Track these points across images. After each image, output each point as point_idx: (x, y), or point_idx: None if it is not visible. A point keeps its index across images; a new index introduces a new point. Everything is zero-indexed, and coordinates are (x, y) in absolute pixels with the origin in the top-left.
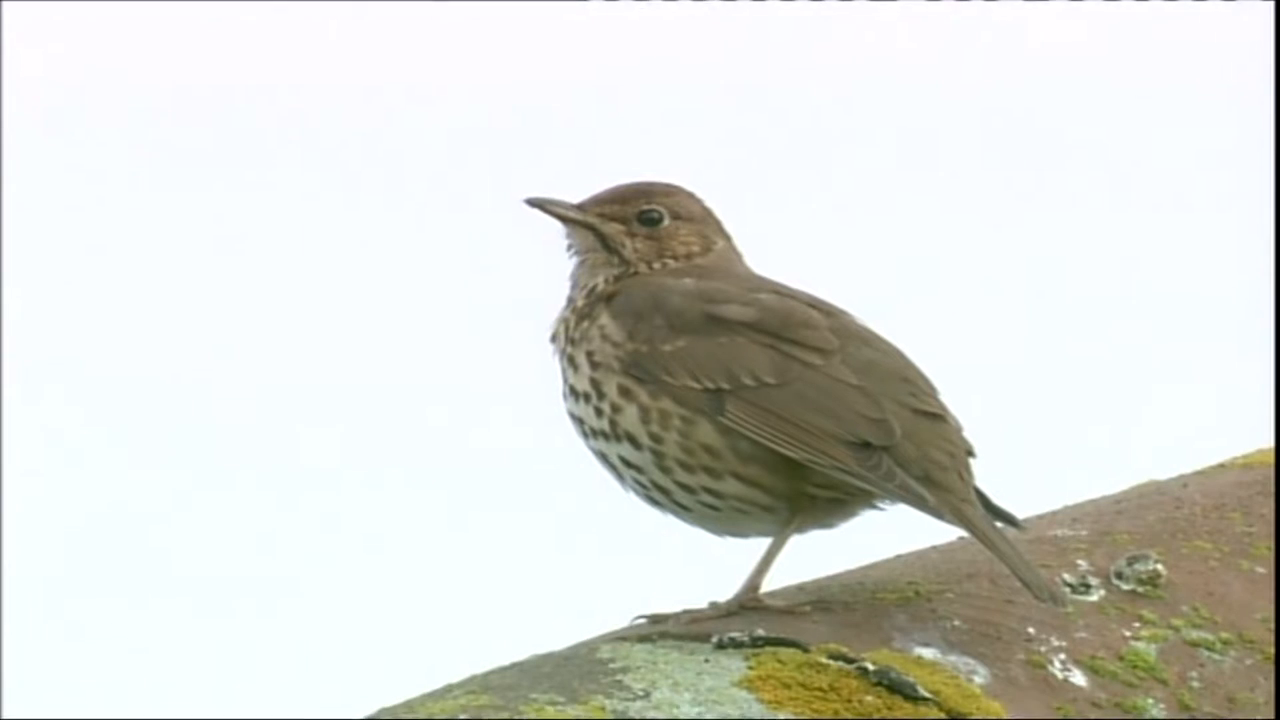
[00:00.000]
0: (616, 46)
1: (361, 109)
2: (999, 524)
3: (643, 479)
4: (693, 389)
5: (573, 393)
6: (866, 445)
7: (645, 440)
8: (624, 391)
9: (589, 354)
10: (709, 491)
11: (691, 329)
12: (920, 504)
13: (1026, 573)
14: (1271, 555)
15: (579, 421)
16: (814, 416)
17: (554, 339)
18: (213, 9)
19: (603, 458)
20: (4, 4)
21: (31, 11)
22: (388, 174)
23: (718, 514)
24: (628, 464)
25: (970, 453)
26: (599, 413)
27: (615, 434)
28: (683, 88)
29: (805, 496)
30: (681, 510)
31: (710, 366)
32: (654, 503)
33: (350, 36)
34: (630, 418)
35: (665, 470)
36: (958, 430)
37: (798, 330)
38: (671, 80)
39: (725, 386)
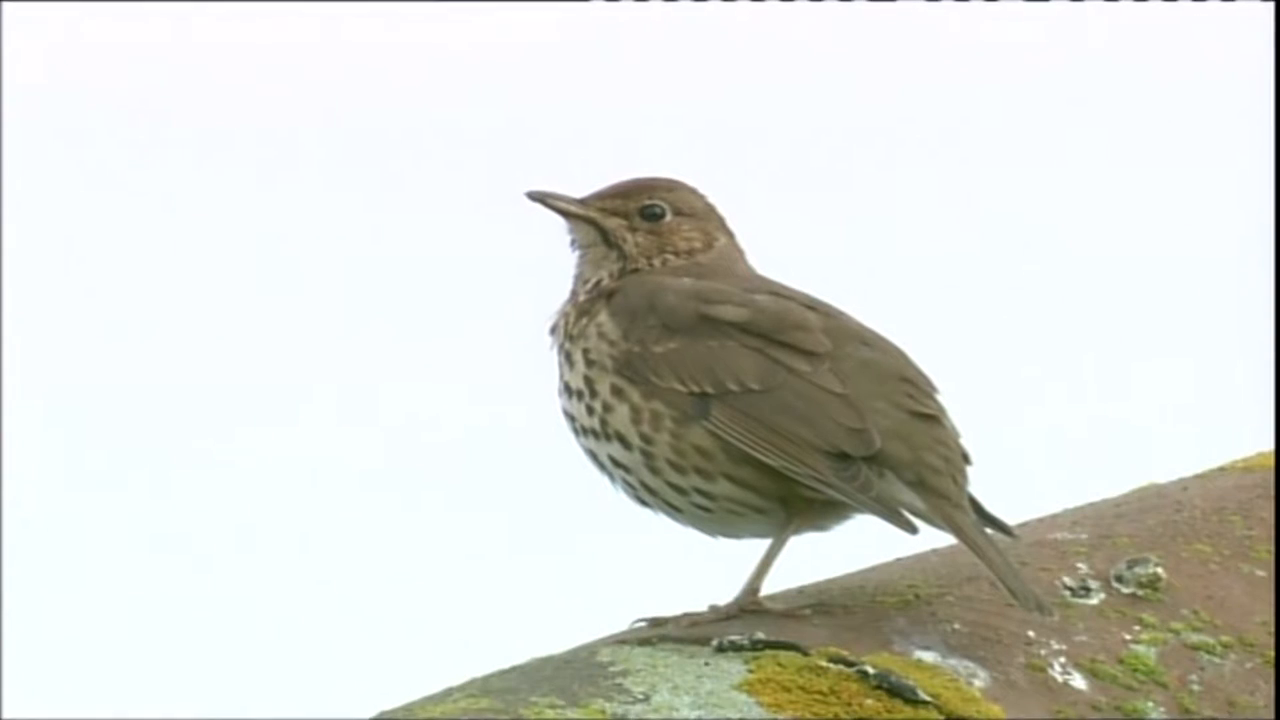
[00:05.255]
0: (616, 46)
1: (364, 107)
2: (992, 531)
3: (631, 479)
4: (679, 392)
5: (567, 389)
6: (845, 456)
7: (635, 441)
8: (616, 391)
9: (585, 351)
10: (701, 493)
11: (684, 330)
12: (893, 519)
13: (1013, 581)
14: (1271, 558)
15: (571, 419)
16: (794, 425)
17: (553, 332)
18: (212, 8)
19: (592, 456)
20: (3, 4)
21: (31, 12)
22: (392, 171)
23: (710, 515)
24: (617, 464)
25: (966, 459)
26: (590, 411)
27: (605, 433)
28: (683, 86)
29: (800, 499)
30: (673, 511)
31: (697, 370)
32: (642, 503)
33: (351, 35)
34: (621, 418)
35: (655, 471)
36: (955, 435)
37: (790, 333)
38: (672, 78)
39: (710, 391)
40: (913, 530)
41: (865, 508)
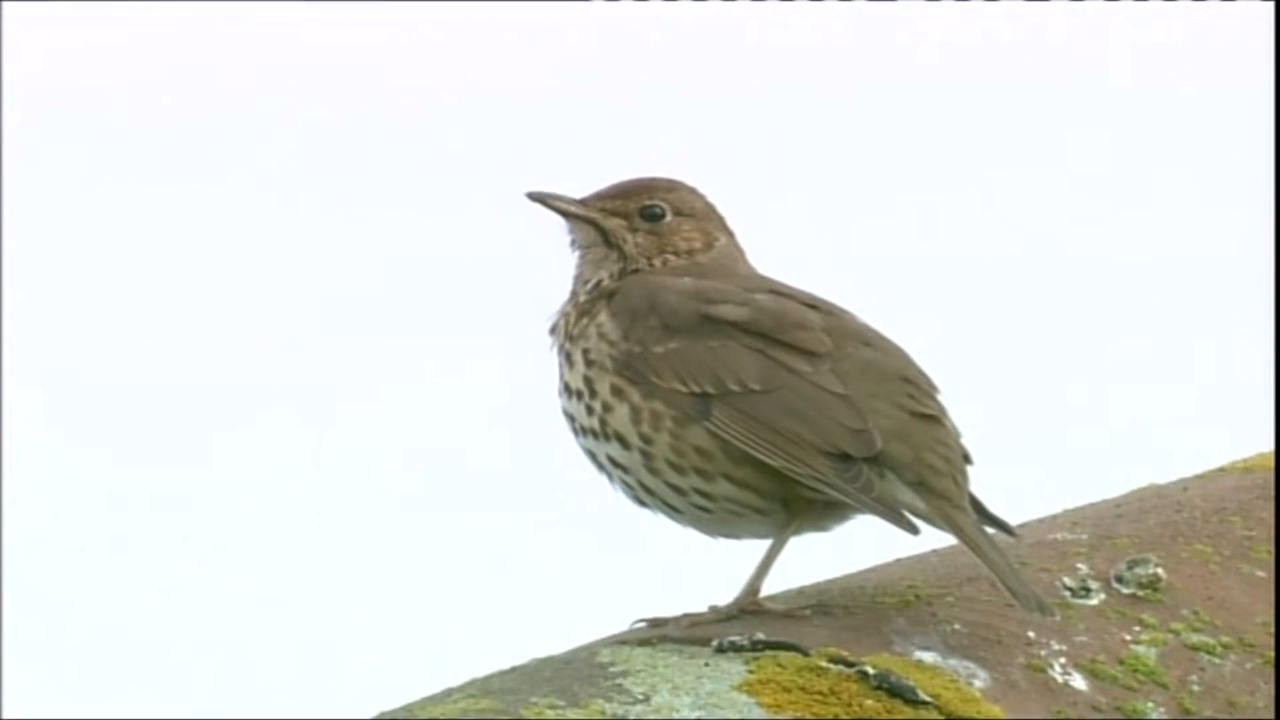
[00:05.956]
0: (617, 46)
1: (364, 107)
2: (993, 531)
3: (629, 479)
4: (679, 392)
5: (566, 389)
6: (846, 456)
7: (635, 441)
8: (616, 391)
9: (585, 351)
10: (700, 493)
11: (685, 330)
12: (895, 520)
13: (1014, 581)
14: (1271, 559)
15: (570, 419)
16: (796, 425)
17: (553, 332)
18: (212, 9)
19: (591, 456)
20: (3, 4)
21: (31, 12)
22: (392, 172)
23: (709, 515)
24: (615, 464)
25: (966, 458)
26: (590, 410)
27: (604, 433)
28: (684, 86)
29: (800, 499)
30: (672, 511)
31: (698, 370)
32: (640, 503)
33: (351, 36)
34: (620, 418)
35: (654, 471)
36: (956, 435)
37: (791, 332)
38: (671, 79)
39: (711, 391)
40: (914, 531)
41: (866, 508)
